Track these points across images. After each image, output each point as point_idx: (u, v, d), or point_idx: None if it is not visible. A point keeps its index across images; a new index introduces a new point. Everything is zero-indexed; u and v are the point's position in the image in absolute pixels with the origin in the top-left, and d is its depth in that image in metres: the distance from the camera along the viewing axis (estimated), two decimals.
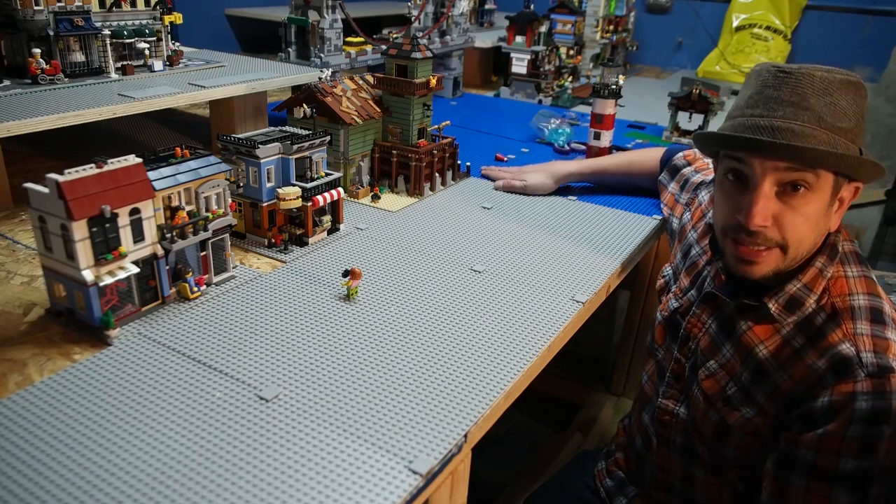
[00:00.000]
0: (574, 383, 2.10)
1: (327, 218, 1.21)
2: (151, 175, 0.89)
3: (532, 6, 2.38)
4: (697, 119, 1.92)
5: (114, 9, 1.49)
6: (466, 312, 1.00)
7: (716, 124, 1.64)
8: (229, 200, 1.02)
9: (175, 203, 0.94)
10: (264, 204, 1.14)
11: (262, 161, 1.10)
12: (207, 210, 0.98)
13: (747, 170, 0.86)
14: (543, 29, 2.36)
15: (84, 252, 0.82)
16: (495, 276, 1.12)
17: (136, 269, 0.88)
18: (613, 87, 1.68)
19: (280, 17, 1.81)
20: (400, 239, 1.24)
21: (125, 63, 1.50)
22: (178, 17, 1.60)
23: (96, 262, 0.83)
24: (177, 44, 1.64)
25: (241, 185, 1.14)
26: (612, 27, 2.81)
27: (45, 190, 0.80)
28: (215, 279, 1.03)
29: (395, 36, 1.95)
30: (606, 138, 1.70)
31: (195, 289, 0.98)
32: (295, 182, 1.15)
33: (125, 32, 1.49)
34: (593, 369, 2.16)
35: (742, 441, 0.94)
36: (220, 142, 1.13)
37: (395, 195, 1.45)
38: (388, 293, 1.04)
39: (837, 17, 3.10)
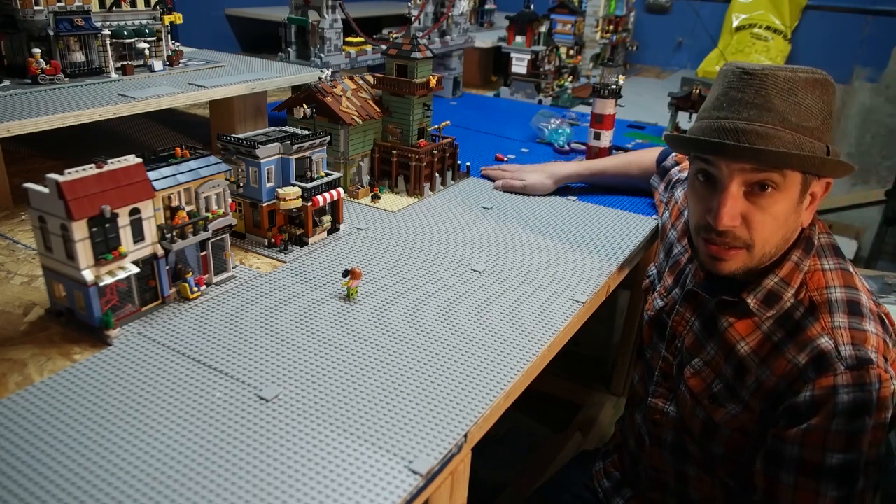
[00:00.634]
0: (574, 383, 2.10)
1: (327, 218, 1.21)
2: (151, 175, 0.89)
3: (532, 6, 2.38)
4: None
5: (114, 9, 1.49)
6: (466, 312, 1.00)
7: None
8: (229, 200, 1.02)
9: (175, 203, 0.94)
10: (264, 204, 1.14)
11: (262, 161, 1.10)
12: (207, 210, 0.98)
13: (715, 171, 0.88)
14: (543, 29, 2.36)
15: (84, 252, 0.82)
16: (495, 276, 1.12)
17: (136, 269, 0.88)
18: (613, 87, 1.68)
19: (280, 17, 1.81)
20: (400, 239, 1.24)
21: (125, 63, 1.50)
22: (178, 17, 1.60)
23: (96, 262, 0.83)
24: (177, 44, 1.64)
25: (241, 185, 1.14)
26: (612, 27, 2.81)
27: (45, 190, 0.80)
28: (215, 279, 1.03)
29: (395, 36, 1.95)
30: (606, 138, 1.70)
31: (195, 289, 0.98)
32: (295, 182, 1.15)
33: (125, 32, 1.49)
34: (593, 369, 2.16)
35: (730, 438, 0.95)
36: (220, 142, 1.13)
37: (395, 195, 1.45)
38: (388, 293, 1.04)
39: (837, 17, 3.10)
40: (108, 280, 0.85)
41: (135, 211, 0.87)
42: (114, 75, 1.46)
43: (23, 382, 0.79)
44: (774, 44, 3.11)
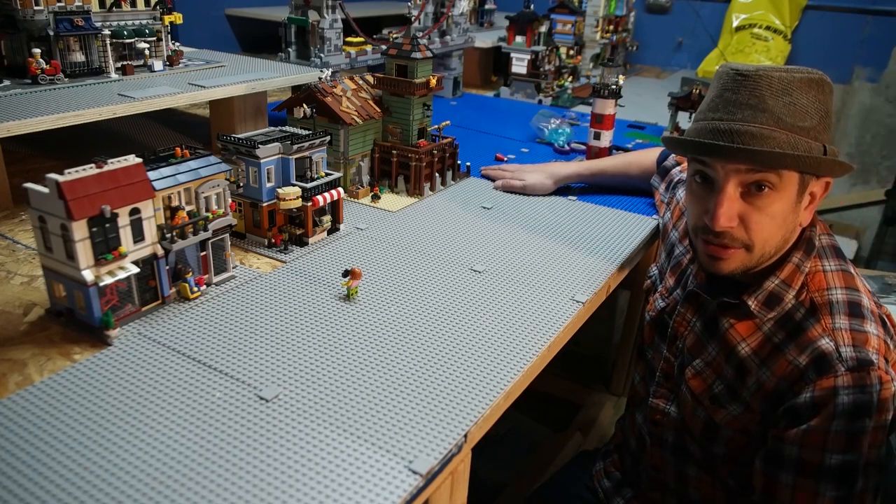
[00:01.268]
0: (574, 383, 2.10)
1: (327, 218, 1.21)
2: (151, 175, 0.89)
3: (532, 6, 2.38)
4: None
5: (114, 9, 1.49)
6: (466, 312, 1.00)
7: None
8: (229, 200, 1.02)
9: (175, 203, 0.94)
10: (264, 204, 1.14)
11: (262, 161, 1.10)
12: (207, 210, 0.98)
13: (711, 172, 0.88)
14: (543, 29, 2.36)
15: (84, 252, 0.82)
16: (495, 276, 1.12)
17: (136, 269, 0.88)
18: (613, 87, 1.68)
19: (280, 17, 1.81)
20: (400, 239, 1.24)
21: (125, 63, 1.50)
22: (178, 17, 1.60)
23: (96, 262, 0.83)
24: (177, 44, 1.64)
25: (241, 185, 1.14)
26: (612, 27, 2.81)
27: (45, 190, 0.80)
28: (215, 279, 1.03)
29: (395, 36, 1.95)
30: (606, 138, 1.71)
31: (195, 289, 0.98)
32: (295, 182, 1.15)
33: (125, 32, 1.49)
34: (593, 369, 2.16)
35: (731, 438, 0.95)
36: (220, 142, 1.13)
37: (395, 195, 1.45)
38: (388, 293, 1.04)
39: (837, 17, 3.10)
40: (108, 280, 0.85)
41: (135, 211, 0.87)
42: (114, 75, 1.46)
43: (23, 382, 0.79)
44: (774, 44, 3.11)
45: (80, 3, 1.40)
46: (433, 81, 1.42)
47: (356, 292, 1.02)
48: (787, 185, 0.86)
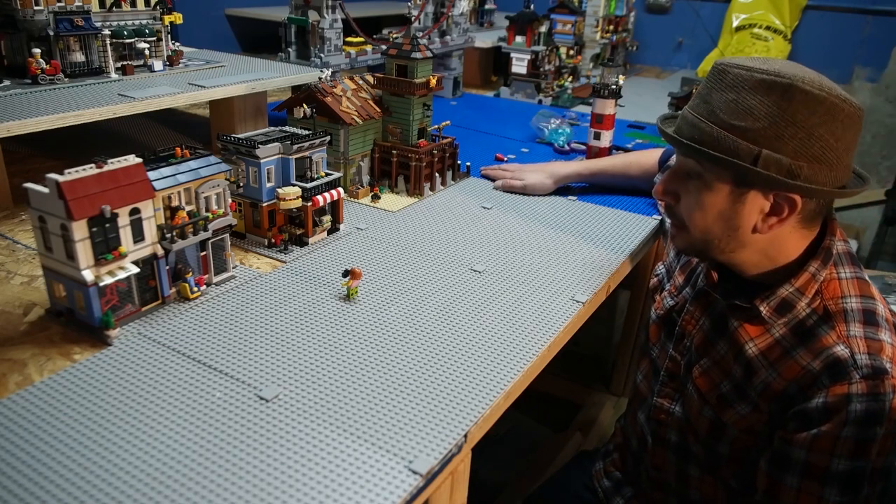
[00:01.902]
0: (574, 383, 2.09)
1: (327, 218, 1.21)
2: (151, 175, 0.89)
3: (532, 6, 2.38)
4: None
5: (114, 9, 1.49)
6: (466, 312, 1.00)
7: None
8: (229, 200, 1.02)
9: (175, 203, 0.94)
10: (264, 204, 1.14)
11: (262, 161, 1.10)
12: (207, 210, 0.98)
13: None
14: (543, 29, 2.36)
15: (84, 252, 0.82)
16: (495, 276, 1.12)
17: (136, 269, 0.88)
18: (613, 87, 1.68)
19: (280, 17, 1.81)
20: (400, 239, 1.24)
21: (125, 63, 1.50)
22: (178, 17, 1.60)
23: (96, 262, 0.83)
24: (177, 44, 1.64)
25: (241, 185, 1.14)
26: (612, 27, 2.81)
27: (45, 190, 0.80)
28: (215, 279, 1.03)
29: (395, 36, 1.95)
30: (606, 138, 1.70)
31: (195, 289, 0.98)
32: (295, 182, 1.15)
33: (125, 32, 1.49)
34: (593, 369, 2.16)
35: (736, 438, 0.94)
36: (220, 142, 1.13)
37: (395, 195, 1.45)
38: (388, 293, 1.04)
39: (837, 17, 3.09)
40: (108, 280, 0.85)
41: (135, 211, 0.87)
42: (114, 75, 1.46)
43: (23, 382, 0.79)
44: (774, 44, 3.11)
45: (80, 3, 1.40)
46: (433, 81, 1.42)
47: (356, 292, 1.02)
48: (714, 180, 0.86)
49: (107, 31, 1.43)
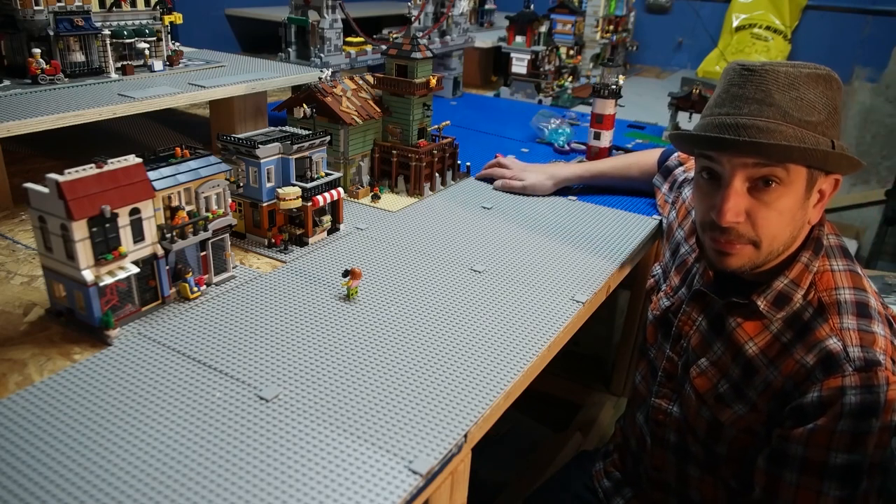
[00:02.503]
0: (574, 383, 2.09)
1: (327, 218, 1.21)
2: (151, 175, 0.89)
3: (532, 6, 2.38)
4: (697, 119, 1.92)
5: (114, 9, 1.49)
6: (466, 312, 1.00)
7: None
8: (229, 200, 1.02)
9: (175, 203, 0.94)
10: (264, 204, 1.14)
11: (262, 161, 1.10)
12: (207, 210, 0.98)
13: (718, 168, 0.88)
14: (543, 29, 2.36)
15: (84, 252, 0.82)
16: (495, 276, 1.12)
17: (136, 269, 0.88)
18: (613, 87, 1.68)
19: (280, 17, 1.81)
20: (400, 239, 1.24)
21: (125, 63, 1.50)
22: (178, 17, 1.60)
23: (96, 262, 0.83)
24: (177, 44, 1.64)
25: (241, 185, 1.14)
26: (612, 27, 2.81)
27: (45, 190, 0.80)
28: (215, 279, 1.03)
29: (395, 36, 1.95)
30: (606, 138, 1.70)
31: (195, 289, 0.98)
32: (295, 182, 1.15)
33: (125, 32, 1.49)
34: (593, 369, 2.16)
35: (735, 438, 0.95)
36: (220, 142, 1.13)
37: (395, 195, 1.45)
38: (388, 293, 1.04)
39: (837, 17, 3.09)
40: (108, 280, 0.85)
41: (135, 211, 0.87)
42: (114, 75, 1.46)
43: (23, 382, 0.79)
44: (774, 44, 3.11)
45: (80, 3, 1.40)
46: (433, 81, 1.42)
47: (356, 292, 1.02)
48: (795, 181, 0.85)
49: (107, 31, 1.43)
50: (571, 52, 2.56)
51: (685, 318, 1.03)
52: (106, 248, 0.84)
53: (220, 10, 2.84)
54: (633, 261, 1.27)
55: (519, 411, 1.99)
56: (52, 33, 1.35)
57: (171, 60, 1.59)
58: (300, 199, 1.12)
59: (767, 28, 3.13)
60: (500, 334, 0.95)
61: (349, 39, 1.86)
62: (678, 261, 1.12)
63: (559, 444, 1.81)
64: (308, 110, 1.26)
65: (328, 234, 1.23)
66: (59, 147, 1.61)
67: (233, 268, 1.07)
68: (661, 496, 1.13)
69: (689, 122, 1.97)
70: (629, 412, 1.23)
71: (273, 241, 1.16)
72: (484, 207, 1.41)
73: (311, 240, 1.19)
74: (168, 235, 0.92)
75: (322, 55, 1.73)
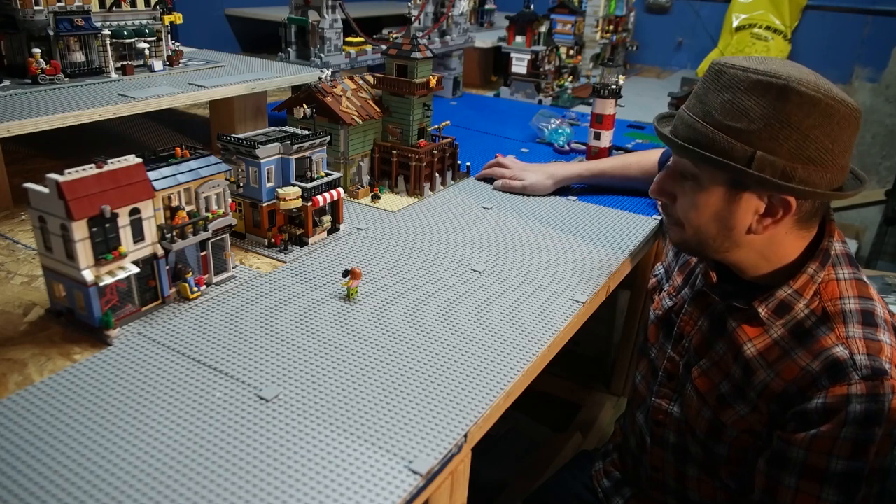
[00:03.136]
0: (574, 383, 2.09)
1: (327, 218, 1.21)
2: (151, 175, 0.89)
3: (532, 6, 2.38)
4: None
5: (114, 9, 1.49)
6: (466, 312, 1.00)
7: None
8: (229, 200, 1.02)
9: (175, 203, 0.94)
10: (264, 204, 1.14)
11: (262, 161, 1.10)
12: (207, 210, 0.98)
13: None
14: (543, 29, 2.36)
15: (84, 252, 0.82)
16: (495, 276, 1.12)
17: (136, 269, 0.88)
18: (613, 87, 1.68)
19: (280, 17, 1.81)
20: (400, 239, 1.24)
21: (125, 63, 1.50)
22: (178, 17, 1.60)
23: (96, 262, 0.83)
24: (177, 44, 1.64)
25: (241, 185, 1.14)
26: (612, 27, 2.81)
27: (45, 190, 0.80)
28: (215, 279, 1.03)
29: (395, 36, 1.95)
30: (606, 138, 1.70)
31: (195, 289, 0.98)
32: (295, 182, 1.15)
33: (125, 32, 1.49)
34: (593, 369, 2.16)
35: (735, 439, 0.95)
36: (220, 142, 1.13)
37: (395, 195, 1.45)
38: (388, 293, 1.04)
39: (837, 17, 3.09)
40: (108, 280, 0.85)
41: (135, 211, 0.87)
42: (114, 75, 1.46)
43: (23, 382, 0.79)
44: (774, 44, 3.11)
45: (80, 3, 1.40)
46: (433, 81, 1.42)
47: (356, 292, 1.02)
48: (709, 181, 0.87)
49: (107, 31, 1.43)
50: (571, 52, 2.56)
51: (687, 318, 1.03)
52: (106, 248, 0.84)
53: (220, 10, 2.83)
54: (633, 261, 1.27)
55: (519, 411, 1.99)
56: (52, 33, 1.35)
57: (171, 60, 1.59)
58: (300, 199, 1.12)
59: (767, 28, 3.13)
60: (500, 334, 0.95)
61: (349, 39, 1.86)
62: (681, 261, 1.12)
63: (559, 444, 1.81)
64: (308, 110, 1.26)
65: (328, 234, 1.23)
66: (59, 147, 1.61)
67: (233, 268, 1.07)
68: (660, 496, 1.13)
69: None
70: (629, 412, 1.23)
71: (273, 241, 1.16)
72: (484, 207, 1.41)
73: (311, 240, 1.19)
74: (168, 235, 0.92)
75: (322, 55, 1.73)
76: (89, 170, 0.81)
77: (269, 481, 0.66)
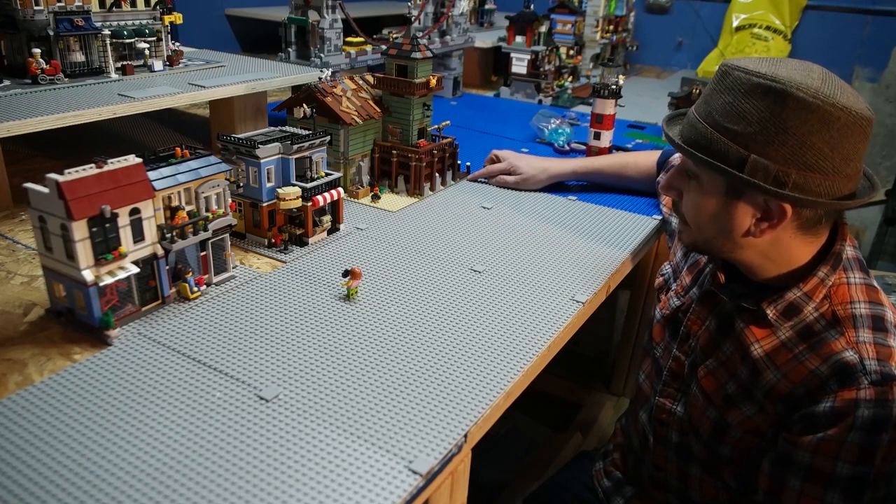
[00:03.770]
0: (574, 383, 2.10)
1: (327, 218, 1.21)
2: (151, 175, 0.89)
3: (532, 6, 2.38)
4: None
5: (114, 9, 1.49)
6: (466, 312, 1.00)
7: None
8: (229, 200, 1.02)
9: (175, 203, 0.94)
10: (264, 204, 1.14)
11: (262, 161, 1.10)
12: (207, 210, 0.98)
13: None
14: (543, 29, 2.36)
15: (84, 252, 0.82)
16: (495, 276, 1.12)
17: (136, 269, 0.88)
18: (613, 87, 1.68)
19: (280, 17, 1.81)
20: (400, 239, 1.24)
21: (125, 63, 1.50)
22: (178, 17, 1.60)
23: (96, 262, 0.83)
24: (177, 44, 1.64)
25: (241, 185, 1.14)
26: (612, 27, 2.81)
27: (45, 190, 0.80)
28: (215, 279, 1.03)
29: (395, 36, 1.95)
30: (606, 138, 1.70)
31: (195, 289, 0.98)
32: (295, 182, 1.15)
33: (125, 32, 1.49)
34: (593, 369, 2.16)
35: (740, 439, 0.94)
36: (220, 142, 1.13)
37: (395, 195, 1.45)
38: (388, 293, 1.04)
39: (837, 17, 3.09)
40: (108, 280, 0.85)
41: (135, 211, 0.87)
42: (114, 75, 1.46)
43: (23, 382, 0.79)
44: (774, 44, 3.11)
45: (80, 3, 1.40)
46: (433, 81, 1.42)
47: (356, 292, 1.02)
48: (707, 182, 0.88)
49: (107, 31, 1.43)
50: (571, 52, 2.56)
51: (694, 317, 1.02)
52: (106, 248, 0.84)
53: (220, 10, 2.84)
54: (633, 261, 1.27)
55: (519, 411, 1.99)
56: (52, 33, 1.35)
57: (171, 60, 1.59)
58: (300, 199, 1.12)
59: (767, 28, 3.13)
60: (500, 334, 0.95)
61: (349, 39, 1.86)
62: (690, 261, 1.12)
63: (559, 444, 1.81)
64: (308, 110, 1.26)
65: (328, 234, 1.23)
66: (59, 147, 1.61)
67: (233, 268, 1.07)
68: (661, 495, 1.13)
69: None
70: (632, 410, 1.23)
71: (273, 241, 1.16)
72: (484, 207, 1.41)
73: (311, 240, 1.19)
74: (168, 235, 0.92)
75: (322, 55, 1.73)
76: (89, 170, 0.81)
77: (269, 481, 0.66)
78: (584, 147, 1.81)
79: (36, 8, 1.33)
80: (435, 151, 1.46)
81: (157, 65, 1.55)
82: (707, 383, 0.97)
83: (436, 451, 0.72)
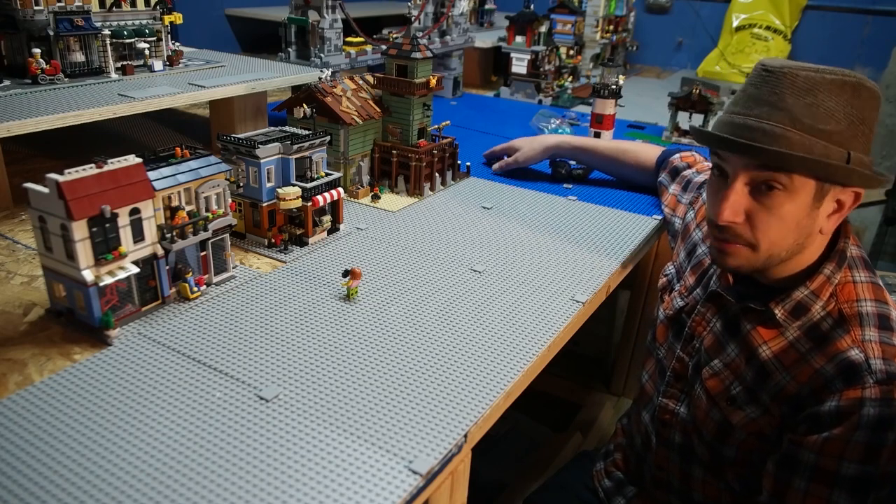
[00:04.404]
0: (574, 383, 2.10)
1: (327, 218, 1.21)
2: (151, 175, 0.89)
3: (532, 6, 2.38)
4: (697, 119, 1.93)
5: (114, 9, 1.49)
6: (466, 312, 1.00)
7: None
8: (229, 200, 1.02)
9: (175, 203, 0.94)
10: (264, 204, 1.14)
11: (262, 161, 1.10)
12: (207, 210, 0.98)
13: (726, 166, 0.88)
14: (543, 29, 2.36)
15: (84, 252, 0.82)
16: (495, 276, 1.12)
17: (136, 269, 0.88)
18: (613, 87, 1.68)
19: (280, 17, 1.81)
20: (400, 239, 1.24)
21: (125, 63, 1.50)
22: (178, 17, 1.60)
23: (96, 262, 0.83)
24: (177, 44, 1.64)
25: (241, 185, 1.14)
26: (612, 27, 2.81)
27: (45, 190, 0.80)
28: (215, 279, 1.03)
29: (395, 36, 1.95)
30: (606, 138, 1.70)
31: (195, 289, 0.98)
32: (295, 182, 1.15)
33: (125, 32, 1.49)
34: (593, 369, 2.16)
35: (743, 441, 0.94)
36: (220, 142, 1.13)
37: (395, 195, 1.45)
38: (388, 293, 1.04)
39: (837, 17, 3.10)
40: (108, 280, 0.85)
41: (135, 211, 0.87)
42: (114, 75, 1.46)
43: (23, 382, 0.79)
44: (774, 44, 3.11)
45: (80, 3, 1.40)
46: (433, 81, 1.42)
47: (356, 292, 1.02)
48: (800, 188, 0.83)
49: (107, 31, 1.43)
50: (571, 52, 2.56)
51: (699, 318, 1.02)
52: (106, 248, 0.84)
53: (220, 10, 2.84)
54: (633, 261, 1.27)
55: (519, 411, 1.99)
56: (52, 33, 1.35)
57: (171, 60, 1.59)
58: (300, 199, 1.12)
59: (767, 28, 3.13)
60: (500, 334, 0.95)
61: (349, 39, 1.86)
62: (694, 261, 1.11)
63: (559, 444, 1.81)
64: (308, 110, 1.26)
65: (328, 234, 1.23)
66: (59, 147, 1.61)
67: (233, 268, 1.07)
68: (663, 496, 1.13)
69: (689, 121, 1.97)
70: (634, 410, 1.23)
71: (273, 241, 1.16)
72: (484, 207, 1.41)
73: (311, 240, 1.19)
74: (168, 235, 0.92)
75: (322, 55, 1.73)
76: (89, 170, 0.81)
77: (269, 481, 0.66)
78: None
79: (36, 8, 1.33)
80: (435, 151, 1.46)
81: (157, 65, 1.55)
82: (712, 385, 0.97)
83: (436, 451, 0.72)
